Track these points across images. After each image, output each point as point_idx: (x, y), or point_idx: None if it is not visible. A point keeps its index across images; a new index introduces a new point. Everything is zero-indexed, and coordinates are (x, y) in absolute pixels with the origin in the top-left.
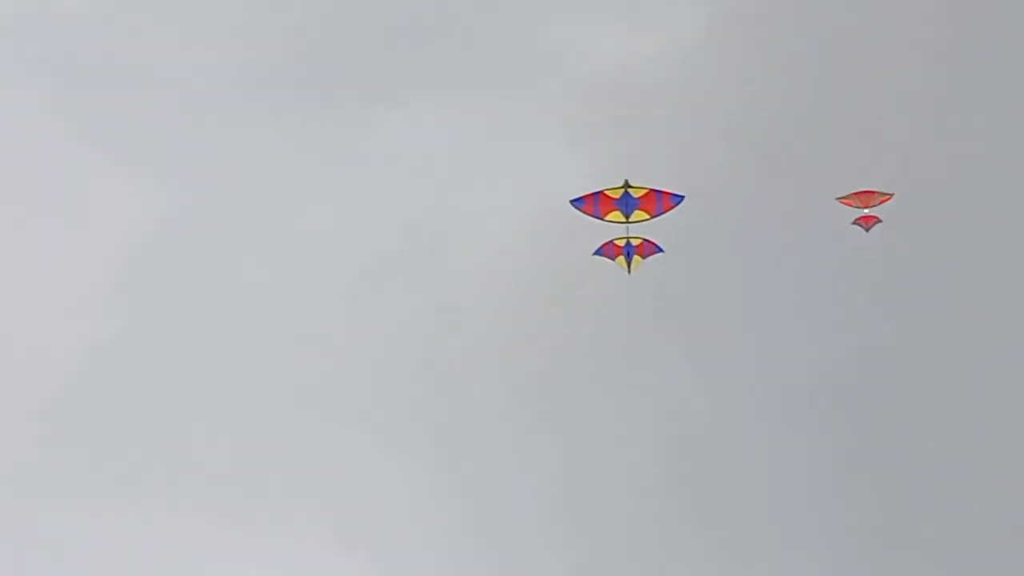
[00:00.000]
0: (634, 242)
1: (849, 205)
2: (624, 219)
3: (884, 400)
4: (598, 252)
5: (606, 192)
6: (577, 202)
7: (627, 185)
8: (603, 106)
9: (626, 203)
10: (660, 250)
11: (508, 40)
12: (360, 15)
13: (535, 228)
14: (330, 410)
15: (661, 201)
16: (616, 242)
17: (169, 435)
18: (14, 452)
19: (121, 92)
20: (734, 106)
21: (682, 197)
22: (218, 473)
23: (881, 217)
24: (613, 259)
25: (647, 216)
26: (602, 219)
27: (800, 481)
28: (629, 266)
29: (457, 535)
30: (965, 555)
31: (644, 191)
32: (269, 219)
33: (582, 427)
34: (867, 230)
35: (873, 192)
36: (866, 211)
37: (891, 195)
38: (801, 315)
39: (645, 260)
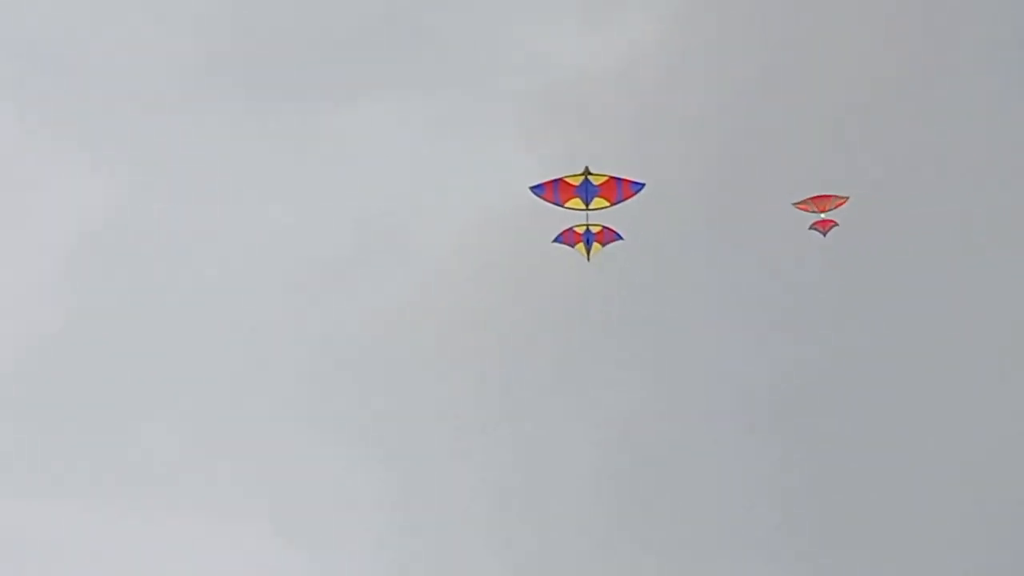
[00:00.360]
0: (593, 229)
1: (805, 210)
2: (584, 206)
3: (839, 404)
4: (558, 239)
5: (566, 179)
6: (537, 189)
7: (587, 172)
8: (559, 104)
9: (586, 190)
10: (620, 238)
11: (464, 38)
12: (314, 13)
13: (490, 226)
14: (277, 406)
15: (621, 188)
16: (576, 229)
17: (111, 429)
18: None
19: (72, 83)
20: (690, 106)
21: (642, 185)
22: (164, 467)
23: (838, 221)
24: (572, 246)
25: (607, 204)
26: (562, 206)
27: (750, 484)
28: (588, 253)
29: (403, 533)
30: (915, 558)
31: (604, 178)
32: (220, 214)
33: (529, 426)
34: (824, 234)
35: (829, 196)
36: (823, 215)
37: (847, 198)
38: (756, 318)
39: (605, 248)
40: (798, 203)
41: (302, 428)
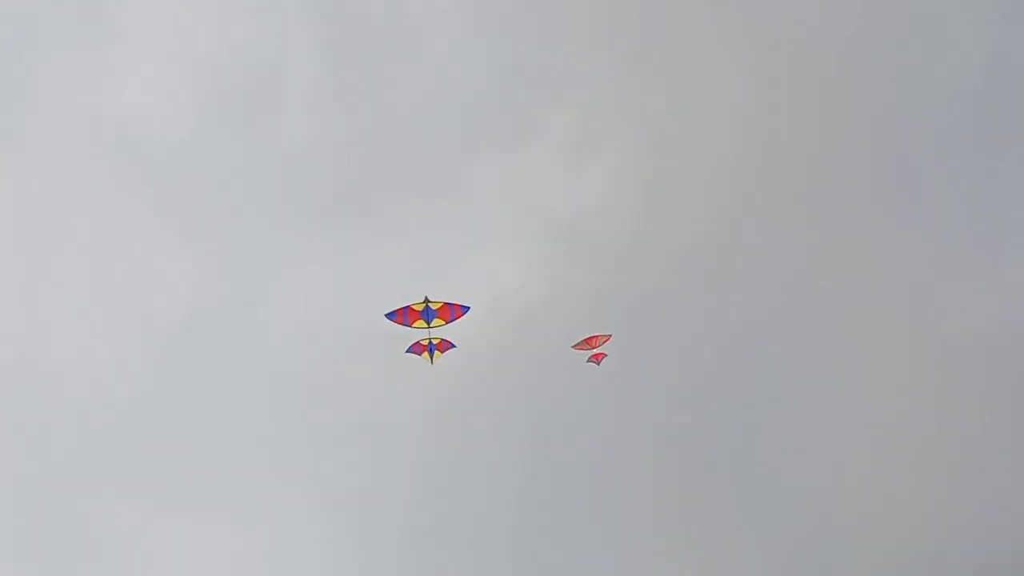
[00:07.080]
0: (435, 341)
1: (582, 348)
2: (426, 325)
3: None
4: (409, 350)
5: (412, 306)
6: (390, 315)
7: (427, 300)
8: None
9: (427, 313)
10: (453, 346)
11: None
12: None
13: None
14: None
15: (453, 311)
16: (421, 342)
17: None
18: None
19: None
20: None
21: (468, 308)
22: None
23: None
24: (420, 355)
25: (443, 322)
26: (410, 327)
27: None
28: (432, 358)
29: None
30: None
31: (440, 304)
32: None
33: None
34: (599, 364)
35: (596, 336)
36: (594, 350)
37: (610, 335)
38: None
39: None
40: (575, 344)
41: None
